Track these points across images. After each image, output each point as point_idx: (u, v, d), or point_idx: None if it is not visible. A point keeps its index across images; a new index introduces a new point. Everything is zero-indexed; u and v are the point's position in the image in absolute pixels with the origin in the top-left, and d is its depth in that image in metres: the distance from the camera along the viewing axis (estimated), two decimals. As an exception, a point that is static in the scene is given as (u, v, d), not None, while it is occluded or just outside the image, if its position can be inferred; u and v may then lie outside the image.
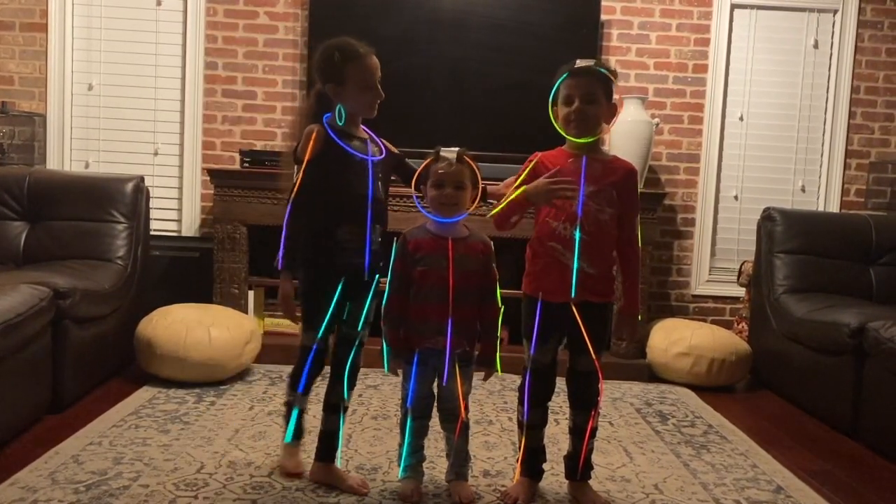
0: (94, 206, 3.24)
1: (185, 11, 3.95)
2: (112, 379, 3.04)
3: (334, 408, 2.12)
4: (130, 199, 3.30)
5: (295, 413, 2.15)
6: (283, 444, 2.20)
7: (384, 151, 2.14)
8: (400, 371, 2.08)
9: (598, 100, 1.98)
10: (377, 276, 2.12)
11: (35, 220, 3.23)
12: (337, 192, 2.01)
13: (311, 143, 1.97)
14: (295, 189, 2.00)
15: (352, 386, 2.13)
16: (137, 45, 3.96)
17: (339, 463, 2.15)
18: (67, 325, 2.63)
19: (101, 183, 3.34)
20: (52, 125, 3.95)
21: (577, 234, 1.97)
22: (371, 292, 2.11)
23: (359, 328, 2.11)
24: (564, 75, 2.00)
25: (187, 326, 2.97)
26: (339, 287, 2.04)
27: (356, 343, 2.12)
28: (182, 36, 3.97)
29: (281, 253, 2.00)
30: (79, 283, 2.73)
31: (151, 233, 3.52)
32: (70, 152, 3.99)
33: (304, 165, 1.98)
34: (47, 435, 2.39)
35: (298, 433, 2.17)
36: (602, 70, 2.00)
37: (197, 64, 3.97)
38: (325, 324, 2.06)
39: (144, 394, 2.86)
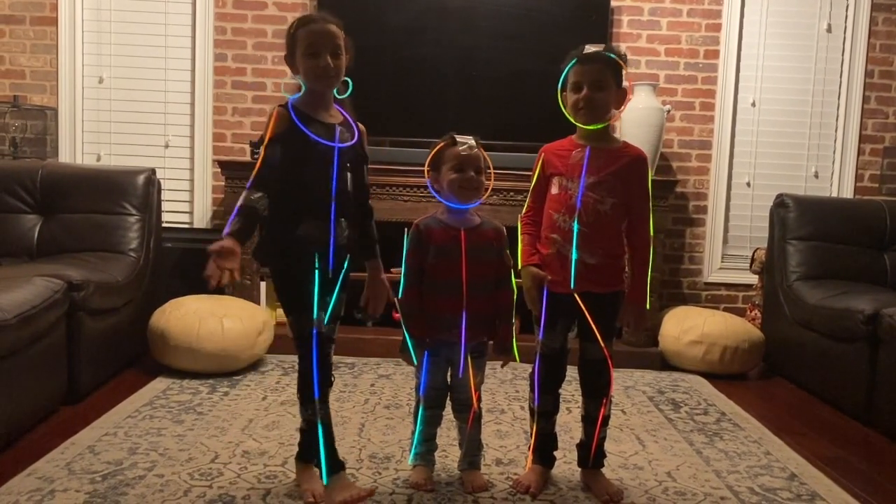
0: (106, 199, 3.27)
1: (193, 3, 3.95)
2: (126, 370, 3.07)
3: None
4: (142, 191, 3.32)
5: (321, 432, 1.84)
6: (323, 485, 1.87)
7: (356, 136, 1.94)
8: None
9: (606, 86, 1.95)
10: (343, 272, 1.93)
11: (48, 213, 3.25)
12: (296, 185, 1.85)
13: (272, 122, 1.83)
14: (256, 170, 1.80)
15: (324, 383, 1.88)
16: (147, 38, 3.97)
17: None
18: (81, 317, 2.65)
19: (112, 175, 3.36)
20: (64, 118, 3.97)
21: (576, 226, 1.97)
22: (337, 288, 1.92)
23: (325, 323, 1.88)
24: (573, 62, 1.97)
25: (200, 317, 2.99)
26: (317, 275, 1.85)
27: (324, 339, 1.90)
28: (191, 28, 3.97)
29: (231, 218, 1.75)
30: (92, 275, 2.75)
31: (163, 225, 3.55)
32: (82, 145, 4.01)
33: (264, 144, 1.82)
34: (63, 426, 2.42)
35: (334, 463, 1.87)
36: (611, 55, 1.96)
37: (206, 56, 3.97)
38: (315, 303, 1.83)
39: (158, 385, 2.88)
